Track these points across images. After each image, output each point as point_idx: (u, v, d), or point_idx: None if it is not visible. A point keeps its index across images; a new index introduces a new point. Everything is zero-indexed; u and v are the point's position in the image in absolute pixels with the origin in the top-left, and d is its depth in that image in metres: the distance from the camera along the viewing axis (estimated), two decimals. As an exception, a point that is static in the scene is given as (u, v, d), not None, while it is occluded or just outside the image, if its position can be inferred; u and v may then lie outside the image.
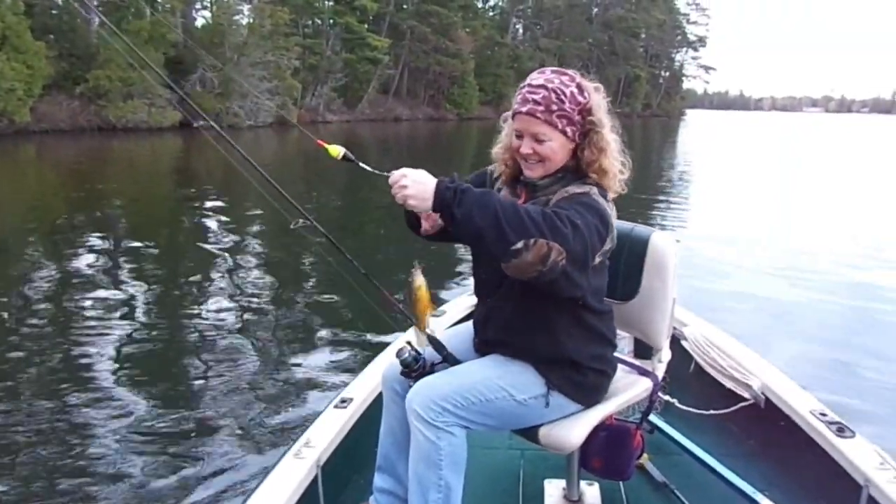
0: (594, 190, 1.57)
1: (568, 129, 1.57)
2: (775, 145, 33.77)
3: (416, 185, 1.40)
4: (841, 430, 1.96)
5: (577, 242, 1.38)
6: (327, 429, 1.99)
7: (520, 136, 1.60)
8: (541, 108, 1.54)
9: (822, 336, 4.95)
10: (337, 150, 1.67)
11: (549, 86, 1.55)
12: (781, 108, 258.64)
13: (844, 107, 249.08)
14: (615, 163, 1.62)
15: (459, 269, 6.40)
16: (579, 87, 1.58)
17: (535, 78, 1.59)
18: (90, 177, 14.09)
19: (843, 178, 18.02)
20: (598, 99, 1.61)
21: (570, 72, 1.61)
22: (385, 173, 1.48)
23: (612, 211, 1.58)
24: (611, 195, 1.62)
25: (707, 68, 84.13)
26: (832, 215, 11.15)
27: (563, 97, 1.55)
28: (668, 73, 79.40)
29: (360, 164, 1.62)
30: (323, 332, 4.76)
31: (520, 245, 1.32)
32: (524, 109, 1.56)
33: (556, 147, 1.58)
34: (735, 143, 34.95)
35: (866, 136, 47.93)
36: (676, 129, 49.35)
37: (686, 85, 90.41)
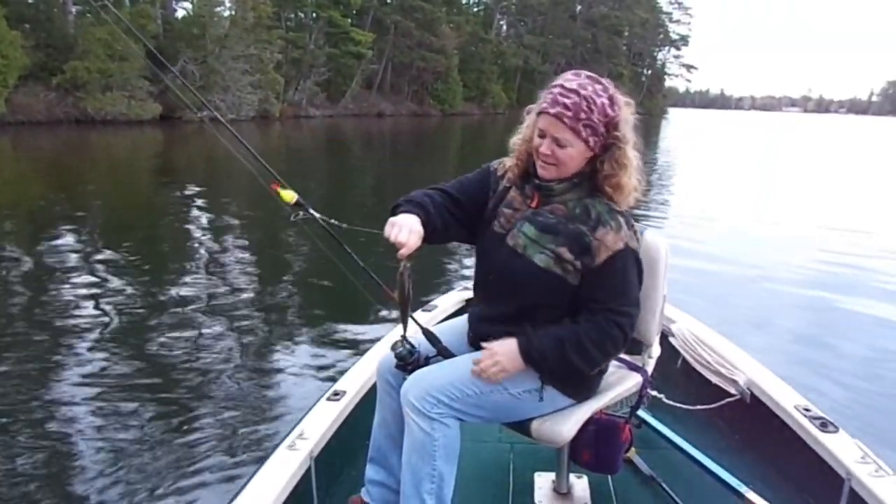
0: (627, 231, 1.57)
1: (591, 140, 1.56)
2: (755, 144, 34.22)
3: (507, 361, 1.59)
4: (824, 426, 2.00)
5: (630, 331, 1.60)
6: (321, 421, 1.99)
7: (542, 136, 1.58)
8: (569, 113, 1.52)
9: (800, 331, 5.04)
10: (290, 196, 1.68)
11: (582, 92, 1.53)
12: (761, 107, 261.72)
13: (822, 107, 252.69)
14: (632, 180, 1.61)
15: (450, 265, 6.42)
16: (611, 98, 1.56)
17: (570, 80, 1.56)
18: (68, 169, 13.86)
19: (819, 178, 18.31)
20: (626, 114, 1.59)
21: (605, 81, 1.59)
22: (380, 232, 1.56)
23: (637, 232, 1.64)
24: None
25: (689, 67, 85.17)
26: (809, 212, 11.34)
27: (593, 106, 1.53)
28: (650, 72, 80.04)
29: (314, 214, 1.70)
30: (316, 324, 4.76)
31: (594, 371, 1.66)
32: (552, 111, 1.53)
33: (575, 154, 1.57)
34: (716, 142, 35.36)
35: (843, 137, 48.69)
36: (659, 127, 49.75)
37: (668, 83, 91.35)
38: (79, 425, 3.21)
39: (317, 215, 1.68)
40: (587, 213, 1.58)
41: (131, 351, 4.15)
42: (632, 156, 1.60)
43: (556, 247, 1.58)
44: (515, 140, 1.72)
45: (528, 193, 1.68)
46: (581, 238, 1.56)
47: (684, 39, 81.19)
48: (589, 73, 1.58)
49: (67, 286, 5.41)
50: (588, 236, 1.55)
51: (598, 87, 1.55)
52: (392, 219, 1.57)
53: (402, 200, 1.68)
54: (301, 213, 1.69)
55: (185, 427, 3.22)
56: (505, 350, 1.58)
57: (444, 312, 2.81)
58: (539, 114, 1.58)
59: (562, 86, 1.55)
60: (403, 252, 1.51)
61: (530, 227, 1.63)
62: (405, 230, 1.52)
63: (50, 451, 2.99)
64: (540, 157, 1.60)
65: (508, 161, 1.76)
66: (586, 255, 1.56)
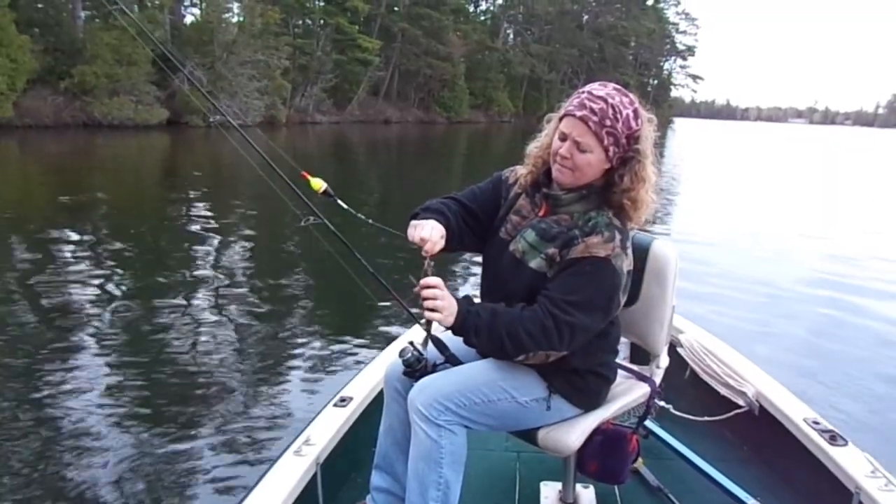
0: (617, 246, 1.54)
1: (611, 149, 1.56)
2: (761, 155, 34.16)
3: (446, 303, 1.52)
4: (833, 438, 1.99)
5: (575, 340, 1.55)
6: (327, 427, 1.99)
7: (563, 139, 1.58)
8: (595, 118, 1.52)
9: (809, 342, 5.01)
10: (319, 185, 1.70)
11: (610, 101, 1.54)
12: (767, 118, 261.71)
13: (828, 119, 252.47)
14: (650, 195, 1.61)
15: (462, 271, 6.42)
16: (636, 112, 1.57)
17: (598, 89, 1.57)
18: (75, 173, 13.92)
19: (826, 189, 18.26)
20: (648, 130, 1.60)
21: (631, 95, 1.59)
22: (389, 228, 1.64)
23: (629, 256, 1.59)
24: (632, 226, 1.62)
25: (695, 77, 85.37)
26: (816, 223, 11.30)
27: (618, 116, 1.53)
28: (656, 82, 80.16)
29: (341, 203, 1.70)
30: (323, 330, 4.76)
31: (521, 357, 1.56)
32: (579, 114, 1.54)
33: (594, 161, 1.57)
34: (722, 153, 35.32)
35: (849, 150, 48.60)
36: (665, 137, 49.74)
37: (674, 93, 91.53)
38: (84, 431, 3.20)
39: (344, 205, 1.71)
40: (588, 222, 1.59)
41: (137, 355, 4.15)
42: (650, 171, 1.60)
43: (550, 249, 1.59)
44: (533, 147, 1.73)
45: (536, 202, 1.69)
46: (572, 239, 1.57)
47: (691, 50, 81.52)
48: (616, 86, 1.59)
49: (73, 290, 5.41)
50: (578, 238, 1.56)
51: (625, 99, 1.56)
52: (414, 222, 1.62)
53: (420, 209, 1.71)
54: (311, 218, 1.70)
55: (190, 432, 3.21)
56: (451, 301, 1.54)
57: None
58: (563, 117, 1.59)
59: (590, 92, 1.56)
60: (428, 248, 1.55)
61: (532, 234, 1.64)
62: (428, 228, 1.58)
63: (53, 457, 2.98)
64: (558, 160, 1.60)
65: (521, 169, 1.76)
66: (565, 249, 1.56)
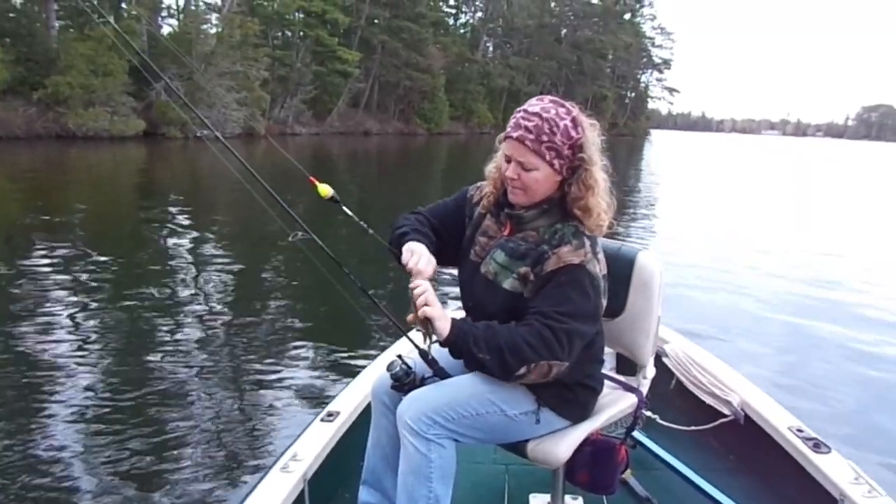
0: (588, 252, 1.55)
1: (556, 162, 1.57)
2: (739, 167, 34.76)
3: (439, 312, 1.52)
4: (817, 446, 2.01)
5: (575, 348, 1.53)
6: (314, 442, 1.96)
7: (508, 161, 1.60)
8: (531, 136, 1.54)
9: (790, 350, 5.08)
10: (326, 191, 1.70)
11: (545, 115, 1.54)
12: (741, 129, 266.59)
13: (801, 130, 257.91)
14: (601, 202, 1.61)
15: (443, 285, 6.40)
16: (574, 121, 1.57)
17: (533, 105, 1.58)
18: (48, 186, 13.65)
19: (804, 201, 18.61)
20: (591, 136, 1.60)
21: (568, 104, 1.60)
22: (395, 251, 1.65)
23: (601, 261, 1.59)
24: (595, 233, 1.62)
25: (671, 90, 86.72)
26: (795, 234, 11.48)
27: (555, 129, 1.54)
28: (633, 94, 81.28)
29: (346, 211, 1.69)
30: (310, 345, 4.69)
31: (522, 371, 1.51)
32: (515, 135, 1.56)
33: (541, 178, 1.58)
34: (701, 165, 35.86)
35: (822, 162, 49.68)
36: (642, 148, 50.46)
37: (651, 105, 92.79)
38: (60, 450, 3.10)
39: (349, 212, 1.72)
40: (555, 235, 1.59)
41: (116, 374, 4.05)
42: (599, 177, 1.60)
43: (521, 268, 1.59)
44: (490, 168, 1.74)
45: (501, 221, 1.70)
46: (542, 254, 1.57)
47: (667, 63, 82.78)
48: (553, 98, 1.61)
49: (49, 306, 5.26)
50: (548, 252, 1.56)
51: (561, 110, 1.57)
52: (410, 246, 1.65)
53: (409, 229, 1.71)
54: (299, 233, 1.68)
55: (175, 450, 3.13)
56: (443, 313, 1.54)
57: None
58: (504, 139, 1.60)
59: (524, 110, 1.57)
60: (418, 280, 1.57)
61: (501, 254, 1.65)
62: (424, 260, 1.61)
63: (27, 475, 2.88)
64: (508, 182, 1.62)
65: (487, 187, 1.76)
66: (538, 265, 1.56)
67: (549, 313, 1.51)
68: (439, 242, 1.76)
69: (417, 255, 1.60)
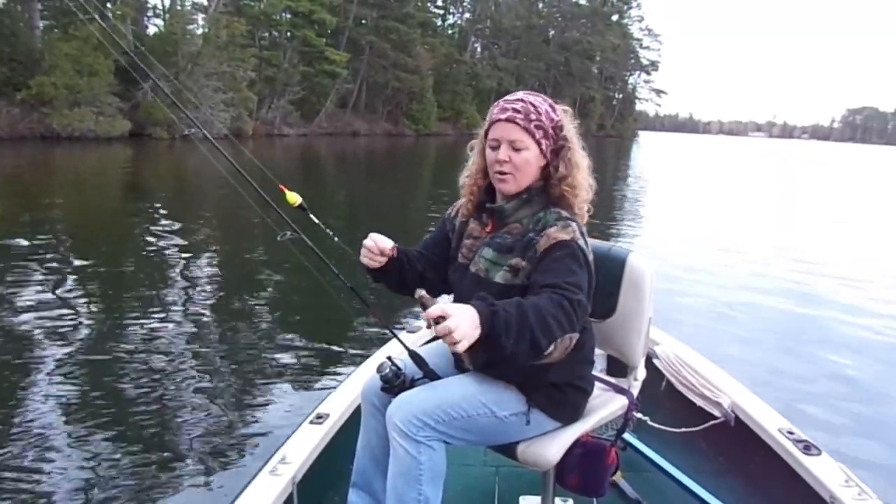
0: (575, 231, 1.55)
1: (543, 142, 1.62)
2: (727, 169, 35.01)
3: (461, 324, 1.26)
4: (808, 449, 2.01)
5: (582, 318, 1.46)
6: (303, 445, 1.95)
7: (495, 147, 1.63)
8: (520, 115, 1.60)
9: (780, 352, 5.07)
10: (295, 198, 1.74)
11: (526, 100, 1.63)
12: (728, 131, 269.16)
13: (787, 132, 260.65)
14: (587, 180, 1.67)
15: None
16: (552, 106, 1.66)
17: (510, 96, 1.66)
18: (32, 187, 13.48)
19: (792, 201, 18.77)
20: (567, 120, 1.68)
21: (541, 95, 1.68)
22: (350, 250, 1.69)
23: (588, 244, 1.60)
24: (578, 214, 1.65)
25: (659, 92, 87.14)
26: (783, 235, 11.56)
27: (539, 110, 1.62)
28: (621, 96, 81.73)
29: (314, 219, 1.72)
30: (298, 346, 4.65)
31: (551, 348, 1.38)
32: (503, 116, 1.61)
33: (532, 158, 1.62)
34: (686, 164, 36.11)
35: (809, 162, 50.18)
36: (630, 149, 50.72)
37: (638, 107, 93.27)
38: (47, 451, 3.05)
39: (317, 221, 1.73)
40: (538, 222, 1.61)
41: (102, 376, 3.98)
42: (581, 156, 1.67)
43: (511, 260, 1.60)
44: (464, 177, 1.78)
45: (484, 220, 1.73)
46: (530, 241, 1.58)
47: (654, 65, 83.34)
48: (526, 91, 1.69)
49: (34, 309, 5.17)
50: (535, 237, 1.57)
51: (537, 98, 1.65)
52: (364, 242, 1.74)
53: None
54: (289, 233, 1.68)
55: (161, 453, 3.09)
56: (457, 310, 1.28)
57: (429, 334, 2.77)
58: (489, 127, 1.65)
59: (505, 100, 1.65)
60: (370, 246, 1.71)
61: (489, 251, 1.66)
62: (379, 239, 1.73)
63: (12, 478, 2.83)
64: (497, 168, 1.63)
65: (463, 198, 1.81)
66: (529, 251, 1.57)
67: (560, 284, 1.44)
68: (432, 268, 1.82)
69: (371, 240, 1.72)
